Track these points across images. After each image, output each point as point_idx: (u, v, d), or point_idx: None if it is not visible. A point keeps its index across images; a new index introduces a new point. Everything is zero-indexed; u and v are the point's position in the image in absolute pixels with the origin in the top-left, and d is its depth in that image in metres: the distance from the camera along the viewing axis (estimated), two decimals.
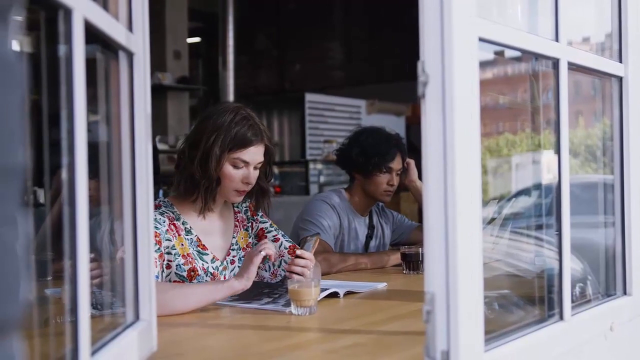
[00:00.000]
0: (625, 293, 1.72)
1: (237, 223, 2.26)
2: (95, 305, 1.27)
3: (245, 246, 2.25)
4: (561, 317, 1.43)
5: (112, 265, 1.40)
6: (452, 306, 1.09)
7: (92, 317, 1.01)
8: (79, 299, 0.95)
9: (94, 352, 1.03)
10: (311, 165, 7.37)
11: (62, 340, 1.02)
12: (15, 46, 0.53)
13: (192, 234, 2.11)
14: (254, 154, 2.10)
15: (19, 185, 0.52)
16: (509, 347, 1.25)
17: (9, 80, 0.49)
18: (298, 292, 1.78)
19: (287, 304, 1.84)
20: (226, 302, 1.94)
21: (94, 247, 1.04)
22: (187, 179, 2.09)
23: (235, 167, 2.08)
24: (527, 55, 1.51)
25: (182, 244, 2.07)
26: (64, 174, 0.95)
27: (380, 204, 3.07)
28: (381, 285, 2.25)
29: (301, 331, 1.66)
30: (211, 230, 2.17)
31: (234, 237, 2.23)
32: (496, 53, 1.38)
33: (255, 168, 2.12)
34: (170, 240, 2.04)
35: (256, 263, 1.86)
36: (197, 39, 9.53)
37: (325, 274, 2.57)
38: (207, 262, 2.10)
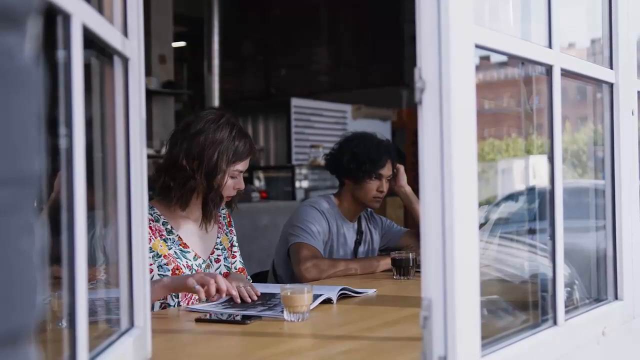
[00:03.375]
0: (616, 298, 1.73)
1: (220, 225, 2.34)
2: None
3: (227, 248, 2.33)
4: (555, 322, 1.44)
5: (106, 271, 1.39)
6: (450, 312, 1.09)
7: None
8: (76, 306, 0.94)
9: None
10: (297, 170, 7.34)
11: (57, 347, 1.01)
12: (32, 53, 0.52)
13: (173, 234, 2.17)
14: (247, 163, 2.22)
15: (35, 194, 0.51)
16: (505, 352, 1.25)
17: (27, 89, 0.49)
18: (290, 298, 1.77)
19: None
20: (222, 310, 1.93)
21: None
22: (188, 191, 2.14)
23: (232, 177, 2.18)
24: (514, 60, 1.51)
25: (162, 245, 2.12)
26: (62, 179, 0.94)
27: (369, 209, 3.07)
28: (371, 292, 2.25)
29: (295, 337, 1.65)
30: (194, 231, 2.24)
31: (218, 237, 2.31)
32: (482, 58, 1.38)
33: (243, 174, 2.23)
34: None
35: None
36: (182, 44, 9.49)
37: (315, 280, 2.57)
38: (190, 260, 2.16)
